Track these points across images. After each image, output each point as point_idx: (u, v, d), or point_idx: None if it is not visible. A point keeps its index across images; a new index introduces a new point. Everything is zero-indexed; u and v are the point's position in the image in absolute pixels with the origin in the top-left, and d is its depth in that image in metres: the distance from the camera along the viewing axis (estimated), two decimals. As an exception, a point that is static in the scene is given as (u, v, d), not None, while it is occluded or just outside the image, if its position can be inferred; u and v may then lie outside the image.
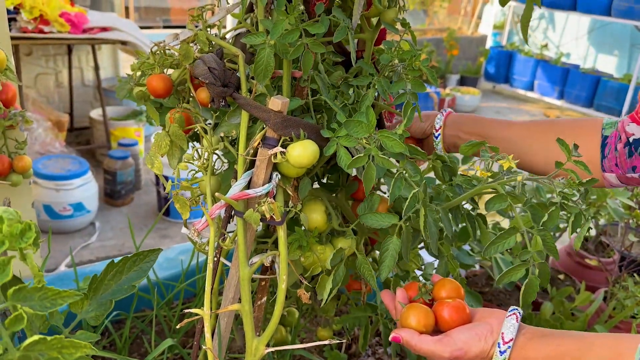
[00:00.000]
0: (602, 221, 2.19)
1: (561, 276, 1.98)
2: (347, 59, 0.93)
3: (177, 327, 0.71)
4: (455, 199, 0.88)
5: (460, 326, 0.74)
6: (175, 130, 0.84)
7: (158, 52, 0.93)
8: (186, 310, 0.70)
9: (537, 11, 6.77)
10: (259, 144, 0.76)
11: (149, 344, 1.22)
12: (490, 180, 0.83)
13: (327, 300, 0.82)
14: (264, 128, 0.76)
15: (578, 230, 0.80)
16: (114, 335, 1.18)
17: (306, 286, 0.85)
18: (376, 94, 0.97)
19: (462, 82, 6.70)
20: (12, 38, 2.97)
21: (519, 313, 0.73)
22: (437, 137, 1.01)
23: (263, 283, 0.97)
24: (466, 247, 1.54)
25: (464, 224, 1.04)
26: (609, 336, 0.68)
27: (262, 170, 0.76)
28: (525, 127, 0.97)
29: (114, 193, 3.13)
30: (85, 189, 2.82)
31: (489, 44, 7.28)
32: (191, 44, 0.90)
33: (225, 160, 0.85)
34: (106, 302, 0.66)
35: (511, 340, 0.69)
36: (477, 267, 1.75)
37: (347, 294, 1.14)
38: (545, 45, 6.89)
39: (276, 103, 0.73)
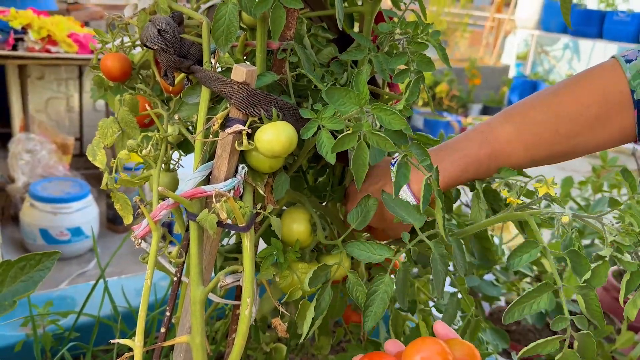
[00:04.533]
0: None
1: (620, 301, 1.76)
2: (343, 40, 0.77)
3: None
4: (465, 226, 0.70)
5: None
6: (125, 115, 0.68)
7: (118, 29, 0.78)
8: (113, 341, 0.53)
9: (562, 41, 6.62)
10: (221, 127, 0.59)
11: (116, 382, 1.04)
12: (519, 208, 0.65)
13: (307, 335, 0.64)
14: (227, 108, 0.60)
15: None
16: (72, 372, 1.01)
17: (283, 315, 0.67)
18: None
19: (485, 111, 6.51)
20: (17, 57, 2.90)
21: None
22: None
23: (238, 312, 0.79)
24: (489, 277, 1.35)
25: (488, 248, 0.86)
26: None
27: (223, 160, 0.59)
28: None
29: (116, 218, 2.98)
30: (85, 213, 2.68)
31: (511, 74, 7.12)
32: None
33: (184, 154, 0.68)
34: (-29, 326, 0.49)
35: None
36: (503, 300, 1.54)
37: (345, 327, 0.95)
38: (570, 75, 6.70)
39: (240, 72, 0.57)
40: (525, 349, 0.59)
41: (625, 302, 0.61)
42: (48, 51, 2.96)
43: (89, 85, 4.02)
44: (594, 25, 5.55)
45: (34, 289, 0.54)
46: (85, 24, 3.75)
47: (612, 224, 0.61)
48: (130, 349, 0.53)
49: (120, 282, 1.17)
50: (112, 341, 0.52)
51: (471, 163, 0.68)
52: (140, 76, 0.79)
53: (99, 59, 0.77)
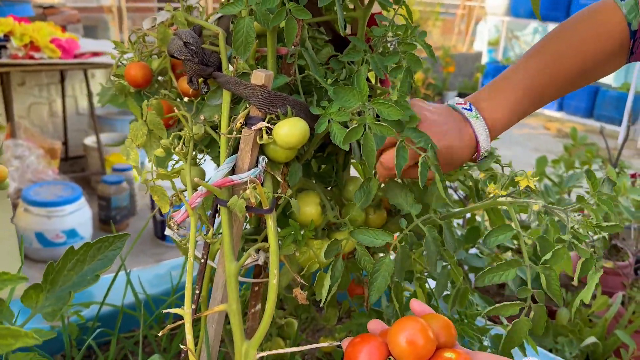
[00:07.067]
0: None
1: (574, 282, 1.89)
2: (337, 40, 0.87)
3: (160, 334, 0.63)
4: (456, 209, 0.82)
5: None
6: (153, 118, 0.77)
7: (137, 40, 0.87)
8: (165, 311, 0.62)
9: (532, 26, 6.79)
10: (242, 124, 0.69)
11: (139, 365, 1.13)
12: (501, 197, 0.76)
13: (326, 300, 0.74)
14: (247, 108, 0.69)
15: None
16: (100, 358, 1.09)
17: (303, 285, 0.77)
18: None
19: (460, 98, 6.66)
20: (2, 65, 2.93)
21: None
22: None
23: (256, 288, 0.89)
24: (474, 250, 1.46)
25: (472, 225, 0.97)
26: None
27: (246, 153, 0.69)
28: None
29: (108, 219, 3.05)
30: (78, 215, 2.74)
31: (484, 60, 7.28)
32: (171, 29, 0.84)
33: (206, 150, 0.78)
34: (65, 295, 0.58)
35: None
36: (487, 273, 1.65)
37: (350, 300, 1.05)
38: (541, 59, 6.89)
39: (259, 76, 0.66)
40: (490, 308, 0.72)
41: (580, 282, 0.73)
42: (32, 57, 3.00)
43: (71, 90, 4.05)
44: (561, 10, 5.72)
45: (109, 266, 0.63)
46: (62, 27, 3.77)
47: (575, 216, 0.72)
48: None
49: (137, 274, 1.26)
50: (165, 311, 0.61)
51: (528, 95, 0.79)
52: (157, 82, 0.88)
53: (119, 66, 0.86)
